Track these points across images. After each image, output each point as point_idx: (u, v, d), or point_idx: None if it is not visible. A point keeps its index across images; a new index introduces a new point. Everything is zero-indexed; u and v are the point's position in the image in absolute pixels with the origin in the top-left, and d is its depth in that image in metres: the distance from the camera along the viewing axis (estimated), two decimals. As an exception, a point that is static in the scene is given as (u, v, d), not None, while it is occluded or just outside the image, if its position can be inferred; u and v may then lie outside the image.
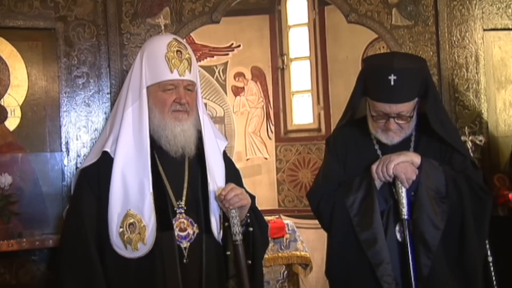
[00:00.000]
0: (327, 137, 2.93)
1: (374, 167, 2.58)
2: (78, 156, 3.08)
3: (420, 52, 3.40)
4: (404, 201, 2.54)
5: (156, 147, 2.46)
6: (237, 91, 6.51)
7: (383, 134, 2.63)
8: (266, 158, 6.51)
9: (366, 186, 2.60)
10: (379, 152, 2.70)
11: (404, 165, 2.54)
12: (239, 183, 2.57)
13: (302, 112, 6.50)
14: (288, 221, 5.19)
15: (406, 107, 2.57)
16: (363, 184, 2.61)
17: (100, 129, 3.11)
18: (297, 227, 5.13)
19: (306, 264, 4.97)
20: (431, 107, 2.62)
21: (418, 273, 2.49)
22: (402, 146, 2.66)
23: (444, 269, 2.53)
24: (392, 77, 2.50)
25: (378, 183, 2.60)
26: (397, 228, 2.59)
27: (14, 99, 3.02)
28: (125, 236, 2.34)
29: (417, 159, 2.56)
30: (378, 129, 2.64)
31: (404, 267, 2.52)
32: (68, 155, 3.07)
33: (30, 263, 2.97)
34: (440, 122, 2.65)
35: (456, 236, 2.54)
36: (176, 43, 2.49)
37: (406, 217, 2.53)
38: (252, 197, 2.58)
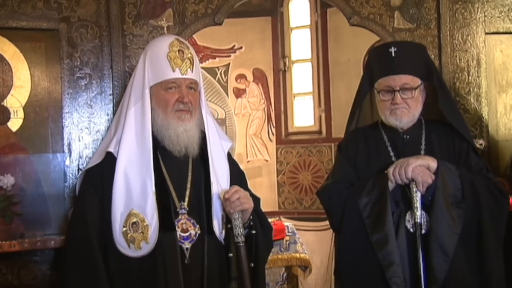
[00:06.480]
0: (339, 142, 2.98)
1: (391, 170, 2.61)
2: (80, 157, 3.08)
3: (422, 56, 3.40)
4: (418, 204, 2.56)
5: (159, 148, 2.48)
6: (239, 93, 6.52)
7: (392, 116, 2.70)
8: (266, 160, 6.52)
9: (380, 188, 2.62)
10: (392, 154, 2.74)
11: (421, 169, 2.57)
12: (244, 185, 2.59)
13: (303, 114, 6.51)
14: (288, 223, 5.20)
15: (410, 80, 2.66)
16: (376, 186, 2.63)
17: (102, 131, 3.11)
18: (296, 229, 5.13)
19: (305, 266, 4.96)
20: (443, 103, 2.74)
21: (433, 277, 2.50)
22: (413, 145, 2.72)
23: (463, 272, 2.54)
24: (392, 49, 2.69)
25: (391, 186, 2.62)
26: (408, 224, 2.59)
27: (17, 100, 3.02)
28: (129, 235, 2.36)
29: (433, 163, 2.59)
30: (386, 111, 2.70)
31: (415, 269, 2.53)
32: (70, 156, 3.06)
33: (32, 264, 2.97)
34: (453, 113, 2.78)
35: (474, 238, 2.56)
36: (178, 43, 2.51)
37: (419, 220, 2.55)
38: (257, 199, 2.59)
